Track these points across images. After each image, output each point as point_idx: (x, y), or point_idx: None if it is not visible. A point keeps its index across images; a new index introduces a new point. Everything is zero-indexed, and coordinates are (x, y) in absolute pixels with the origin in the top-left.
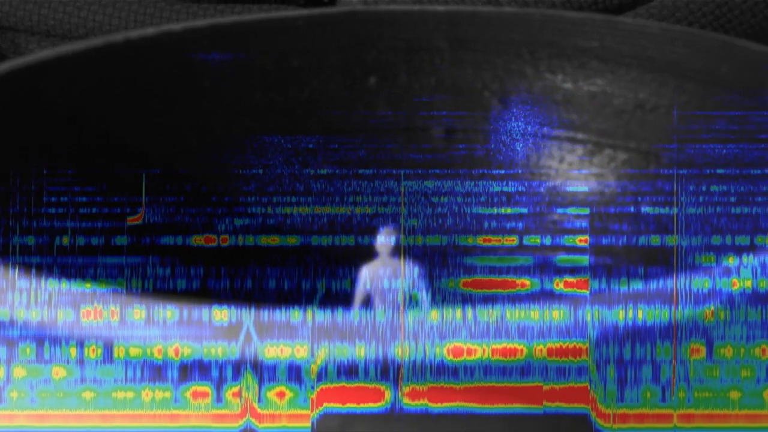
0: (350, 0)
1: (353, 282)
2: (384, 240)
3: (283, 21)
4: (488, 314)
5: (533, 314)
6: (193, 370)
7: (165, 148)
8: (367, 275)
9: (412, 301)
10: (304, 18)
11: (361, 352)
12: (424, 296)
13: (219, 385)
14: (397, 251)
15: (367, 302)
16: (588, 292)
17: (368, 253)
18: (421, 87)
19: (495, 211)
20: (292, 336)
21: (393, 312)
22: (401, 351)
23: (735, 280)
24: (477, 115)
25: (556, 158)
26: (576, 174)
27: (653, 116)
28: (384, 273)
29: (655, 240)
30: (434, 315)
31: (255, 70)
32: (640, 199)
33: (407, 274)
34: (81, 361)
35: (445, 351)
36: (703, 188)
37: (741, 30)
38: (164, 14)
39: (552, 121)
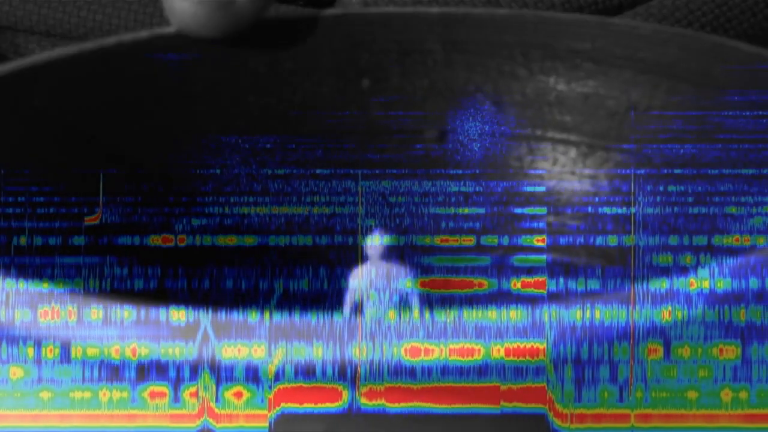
0: (350, 0)
1: (311, 282)
2: (374, 244)
3: (275, 23)
4: (445, 314)
5: (490, 314)
6: (151, 370)
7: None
8: (357, 279)
9: (402, 307)
10: (297, 20)
11: (318, 352)
12: (414, 302)
13: (176, 385)
14: (386, 255)
15: (359, 306)
16: (545, 292)
17: (325, 253)
18: (414, 89)
19: (452, 211)
20: (250, 336)
21: (384, 315)
22: (358, 351)
23: (692, 280)
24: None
25: (549, 160)
26: (569, 176)
27: (646, 118)
28: (374, 276)
29: (613, 240)
30: (391, 315)
31: (248, 73)
32: (597, 199)
33: (398, 279)
34: (38, 361)
35: (402, 351)
36: (661, 188)
37: (741, 29)
38: (164, 14)
39: (544, 123)
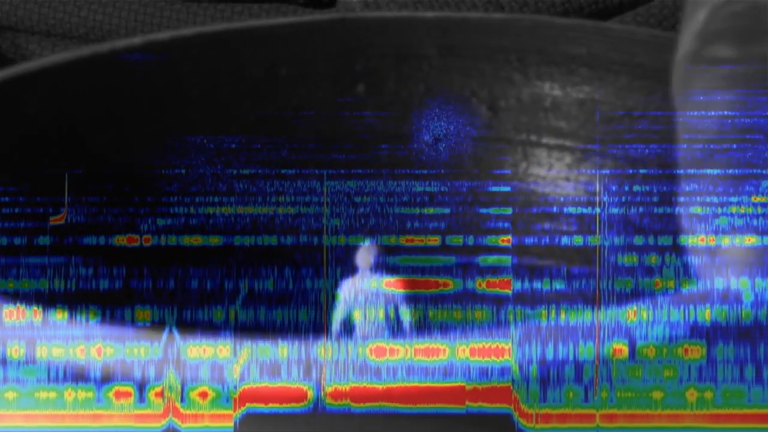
0: (350, 1)
1: (276, 282)
2: (364, 255)
3: (271, 28)
4: (411, 314)
5: (456, 314)
6: (116, 370)
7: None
8: (347, 291)
9: (393, 318)
10: (293, 25)
11: (283, 352)
12: (404, 312)
13: (141, 385)
14: (377, 266)
15: (348, 317)
16: (510, 292)
17: (291, 253)
18: (409, 94)
19: (417, 211)
20: (215, 336)
21: (374, 328)
22: (324, 351)
23: (657, 279)
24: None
25: (544, 166)
26: (564, 181)
27: (641, 123)
28: (364, 288)
29: (578, 240)
30: (357, 315)
31: (243, 78)
32: (562, 199)
33: (389, 289)
34: (3, 362)
35: (367, 351)
36: (626, 188)
37: None
38: (164, 14)
39: (540, 129)
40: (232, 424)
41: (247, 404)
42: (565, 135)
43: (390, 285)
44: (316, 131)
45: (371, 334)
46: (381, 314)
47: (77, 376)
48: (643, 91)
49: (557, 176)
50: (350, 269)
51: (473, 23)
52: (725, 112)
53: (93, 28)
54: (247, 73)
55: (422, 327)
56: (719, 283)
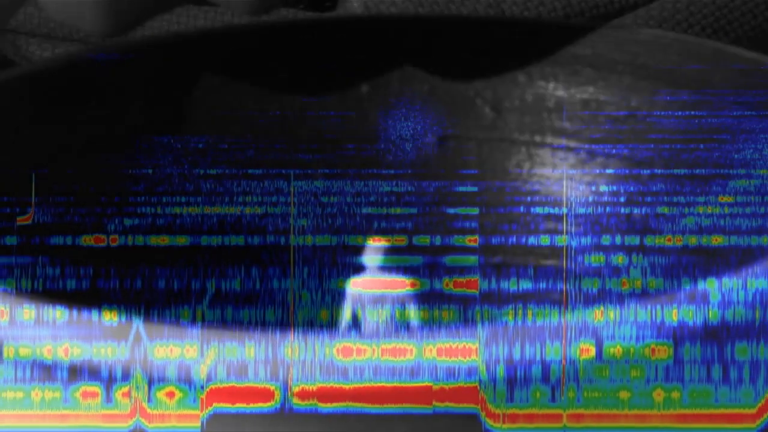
0: (351, 2)
1: (243, 282)
2: (372, 254)
3: (272, 28)
4: (378, 314)
5: (423, 314)
6: (83, 370)
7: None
8: (354, 289)
9: (401, 318)
10: (296, 24)
11: (250, 352)
12: (412, 312)
13: (109, 385)
14: (384, 265)
15: (355, 316)
16: (477, 292)
17: (257, 253)
18: (413, 94)
19: (384, 211)
20: (182, 336)
21: (380, 325)
22: (291, 351)
23: (624, 280)
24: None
25: (548, 166)
26: (567, 181)
27: (644, 124)
28: (372, 287)
29: (545, 240)
30: (323, 314)
31: (242, 78)
32: (529, 198)
33: (397, 289)
34: None
35: (334, 351)
36: (593, 188)
37: (742, 32)
38: (164, 16)
39: (544, 129)
40: (199, 424)
41: (214, 404)
42: (569, 135)
43: (357, 285)
44: (283, 131)
45: (379, 333)
46: (388, 313)
47: (44, 376)
48: (646, 91)
49: (561, 176)
50: (317, 269)
51: (477, 24)
52: (692, 112)
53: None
54: (250, 74)
55: (389, 327)
56: (686, 283)
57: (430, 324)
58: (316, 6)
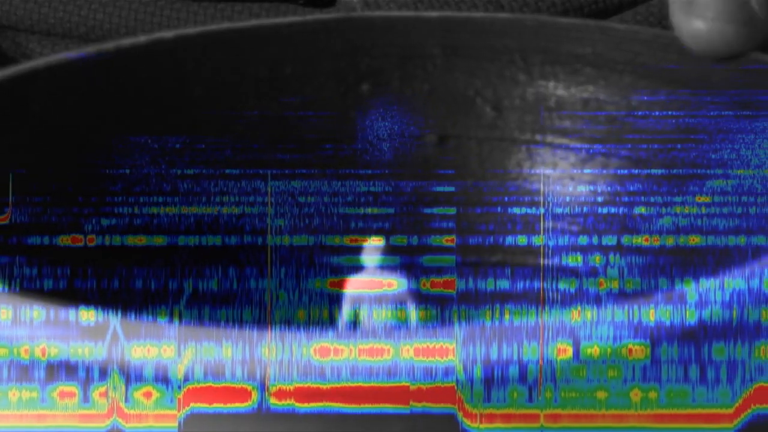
0: (350, 1)
1: (220, 282)
2: (371, 254)
3: (275, 28)
4: (355, 314)
5: (400, 314)
6: (60, 370)
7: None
8: (354, 289)
9: (400, 318)
10: (297, 24)
11: (227, 352)
12: (411, 312)
13: (86, 385)
14: (384, 265)
15: (355, 315)
16: (455, 292)
17: (235, 253)
18: (413, 93)
19: (362, 211)
20: (159, 336)
21: (380, 324)
22: (268, 351)
23: (602, 280)
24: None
25: (549, 164)
26: (568, 180)
27: (645, 122)
28: (371, 286)
29: (522, 240)
30: (301, 314)
31: (247, 78)
32: (506, 198)
33: (396, 289)
34: None
35: (311, 351)
36: (570, 188)
37: None
38: (164, 12)
39: (544, 128)
40: (176, 424)
41: (191, 404)
42: (569, 134)
43: (335, 285)
44: (261, 131)
45: (377, 333)
46: (387, 313)
47: (21, 376)
48: (647, 90)
49: (562, 175)
50: (295, 269)
51: (477, 23)
52: (669, 113)
53: (93, 27)
54: (251, 73)
55: (366, 327)
56: (663, 283)
57: (407, 324)
58: (315, 2)
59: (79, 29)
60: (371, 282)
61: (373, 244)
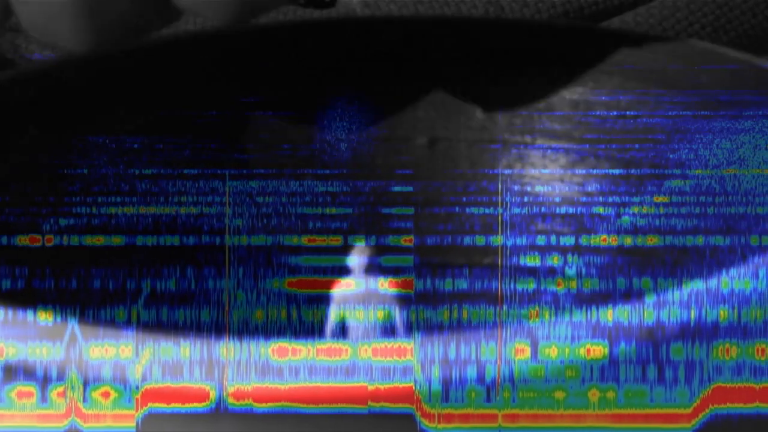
0: (350, 2)
1: (178, 282)
2: (358, 258)
3: (265, 28)
4: (313, 314)
5: (358, 314)
6: (18, 370)
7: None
8: (340, 293)
9: (385, 322)
10: (288, 26)
11: (185, 352)
12: (397, 317)
13: (44, 385)
14: (371, 269)
15: (342, 319)
16: (413, 292)
17: (192, 253)
18: (404, 95)
19: (320, 211)
20: (117, 336)
21: (366, 330)
22: (226, 351)
23: (560, 280)
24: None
25: (538, 166)
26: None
27: (635, 124)
28: (357, 290)
29: (480, 240)
30: (259, 315)
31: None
32: (465, 199)
33: (382, 294)
34: None
35: (269, 351)
36: (528, 188)
37: (741, 30)
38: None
39: (534, 129)
40: (134, 424)
41: (149, 404)
42: (559, 136)
43: (293, 285)
44: (219, 131)
45: (365, 335)
46: (375, 315)
47: None
48: (636, 91)
49: (551, 177)
50: (252, 269)
51: (470, 24)
52: (627, 113)
53: None
54: (240, 70)
55: (324, 327)
56: (621, 283)
57: (365, 324)
58: (316, 3)
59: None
60: (329, 282)
61: (360, 246)
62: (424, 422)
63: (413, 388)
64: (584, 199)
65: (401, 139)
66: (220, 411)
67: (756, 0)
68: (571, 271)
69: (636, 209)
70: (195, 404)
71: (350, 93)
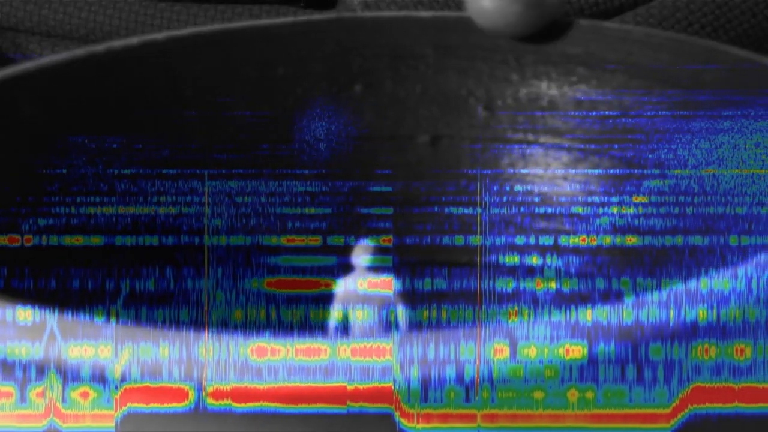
0: (351, 2)
1: (157, 282)
2: (360, 255)
3: (266, 29)
4: (292, 314)
5: (337, 314)
6: None
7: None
8: (343, 290)
9: (388, 319)
10: (288, 25)
11: (164, 352)
12: (400, 313)
13: (23, 385)
14: (373, 266)
15: (345, 316)
16: (392, 292)
17: (172, 253)
18: (406, 94)
19: (299, 210)
20: (96, 336)
21: (370, 326)
22: (205, 351)
23: (539, 280)
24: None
25: (541, 164)
26: (561, 180)
27: (638, 122)
28: (359, 287)
29: (459, 240)
30: (238, 314)
31: (238, 79)
32: (444, 198)
33: (385, 289)
34: None
35: (248, 351)
36: (507, 188)
37: (741, 30)
38: (165, 15)
39: (537, 128)
40: (113, 424)
41: (129, 404)
42: (562, 134)
43: (272, 285)
44: (198, 131)
45: (366, 333)
46: (376, 314)
47: None
48: (639, 89)
49: (554, 176)
50: (231, 269)
51: (470, 23)
52: (606, 112)
53: (94, 29)
54: (242, 74)
55: (303, 327)
56: (600, 283)
57: (345, 324)
58: (316, 4)
59: (80, 31)
60: (308, 282)
61: (361, 244)
62: (403, 422)
63: (392, 387)
64: (563, 199)
65: (381, 139)
66: (199, 411)
67: (756, 0)
68: (550, 271)
69: (615, 209)
70: (174, 404)
71: (330, 92)
